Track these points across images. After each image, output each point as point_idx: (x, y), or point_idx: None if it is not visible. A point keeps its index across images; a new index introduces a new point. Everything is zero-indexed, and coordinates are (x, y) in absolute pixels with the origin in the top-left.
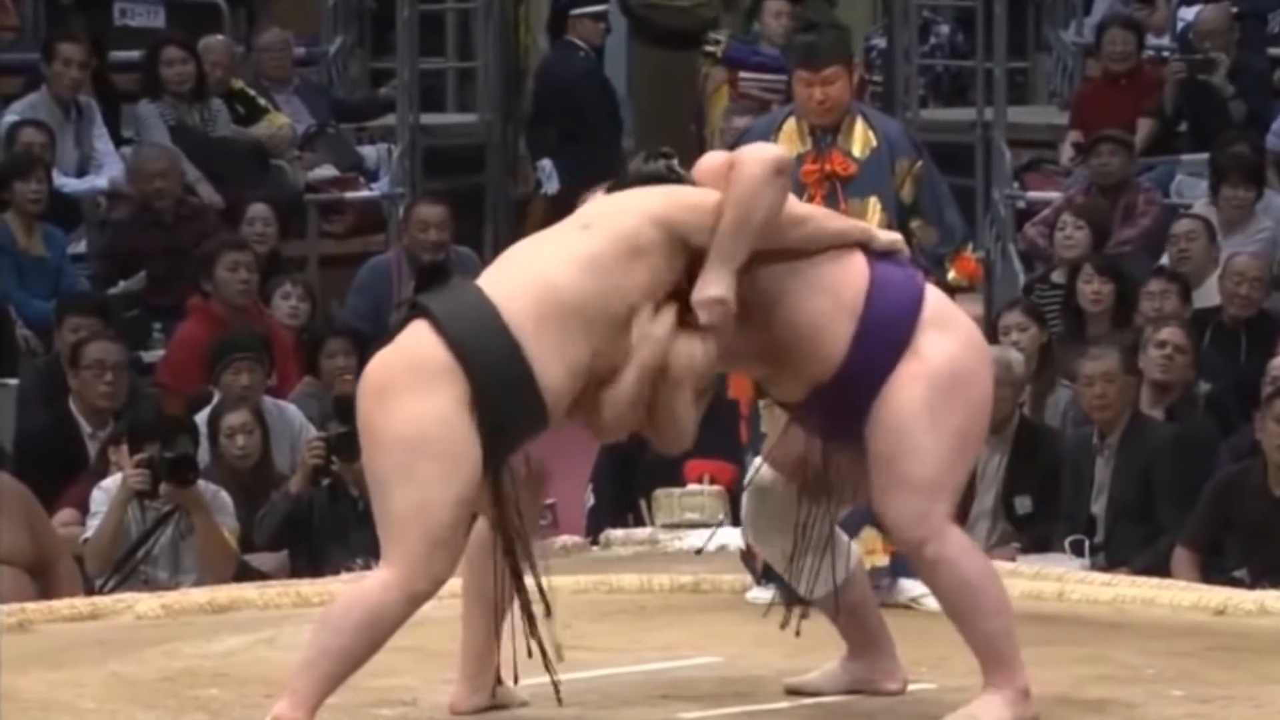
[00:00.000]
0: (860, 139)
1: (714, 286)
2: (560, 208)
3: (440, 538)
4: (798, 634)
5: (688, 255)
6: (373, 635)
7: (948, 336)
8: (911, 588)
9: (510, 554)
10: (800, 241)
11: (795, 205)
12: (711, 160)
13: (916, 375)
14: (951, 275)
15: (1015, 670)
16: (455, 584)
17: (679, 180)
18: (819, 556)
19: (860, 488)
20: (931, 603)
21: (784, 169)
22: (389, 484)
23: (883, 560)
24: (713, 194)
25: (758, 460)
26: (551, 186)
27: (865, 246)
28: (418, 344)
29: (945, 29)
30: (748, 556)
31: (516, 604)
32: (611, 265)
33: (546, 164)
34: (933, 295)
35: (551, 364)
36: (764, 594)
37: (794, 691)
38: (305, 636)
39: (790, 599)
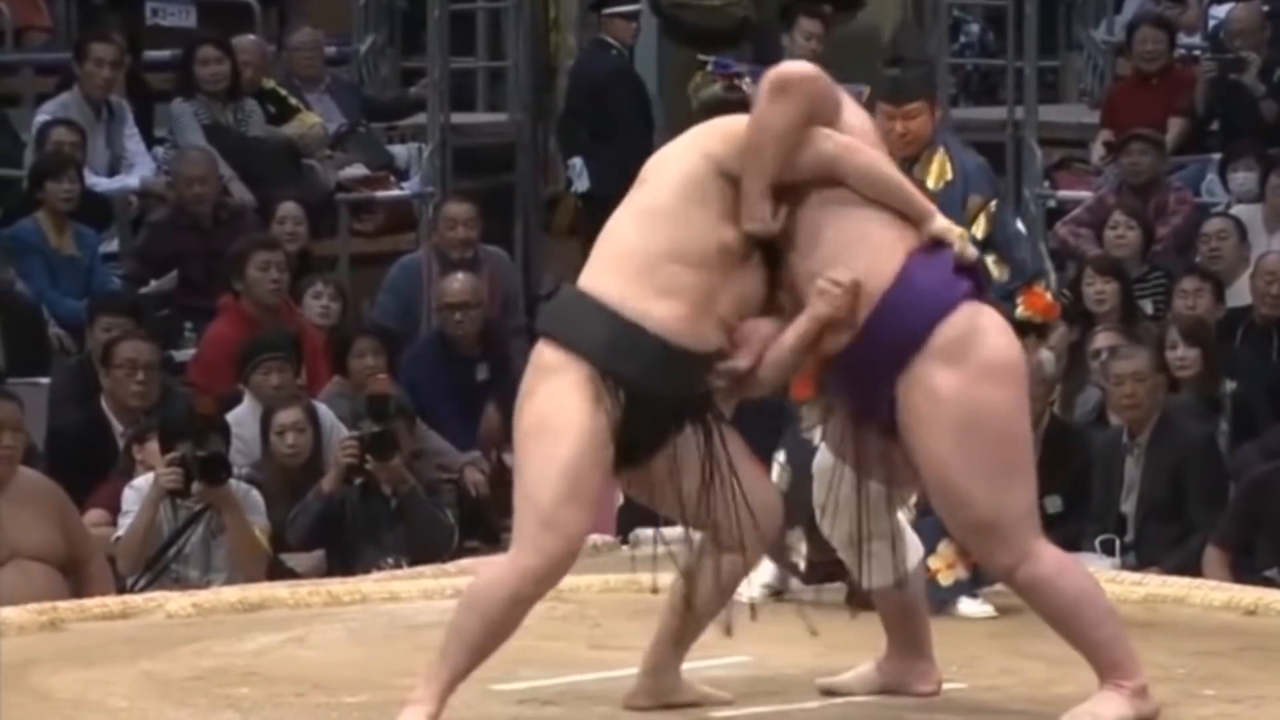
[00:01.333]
0: (937, 171)
1: (745, 217)
2: (591, 205)
3: (544, 514)
4: (754, 617)
5: None
6: (488, 614)
7: (957, 371)
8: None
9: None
10: (853, 169)
11: (871, 159)
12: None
13: (934, 426)
14: (1020, 310)
15: (1132, 670)
16: None
17: (741, 97)
18: (884, 546)
19: (904, 473)
20: (963, 608)
21: (787, 85)
22: (516, 472)
23: (963, 574)
24: (744, 120)
25: (822, 446)
26: (582, 184)
27: (918, 223)
28: (536, 358)
29: (975, 28)
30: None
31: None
32: (674, 210)
33: (577, 162)
34: (958, 318)
35: (651, 305)
36: (752, 590)
37: (828, 692)
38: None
39: (778, 592)
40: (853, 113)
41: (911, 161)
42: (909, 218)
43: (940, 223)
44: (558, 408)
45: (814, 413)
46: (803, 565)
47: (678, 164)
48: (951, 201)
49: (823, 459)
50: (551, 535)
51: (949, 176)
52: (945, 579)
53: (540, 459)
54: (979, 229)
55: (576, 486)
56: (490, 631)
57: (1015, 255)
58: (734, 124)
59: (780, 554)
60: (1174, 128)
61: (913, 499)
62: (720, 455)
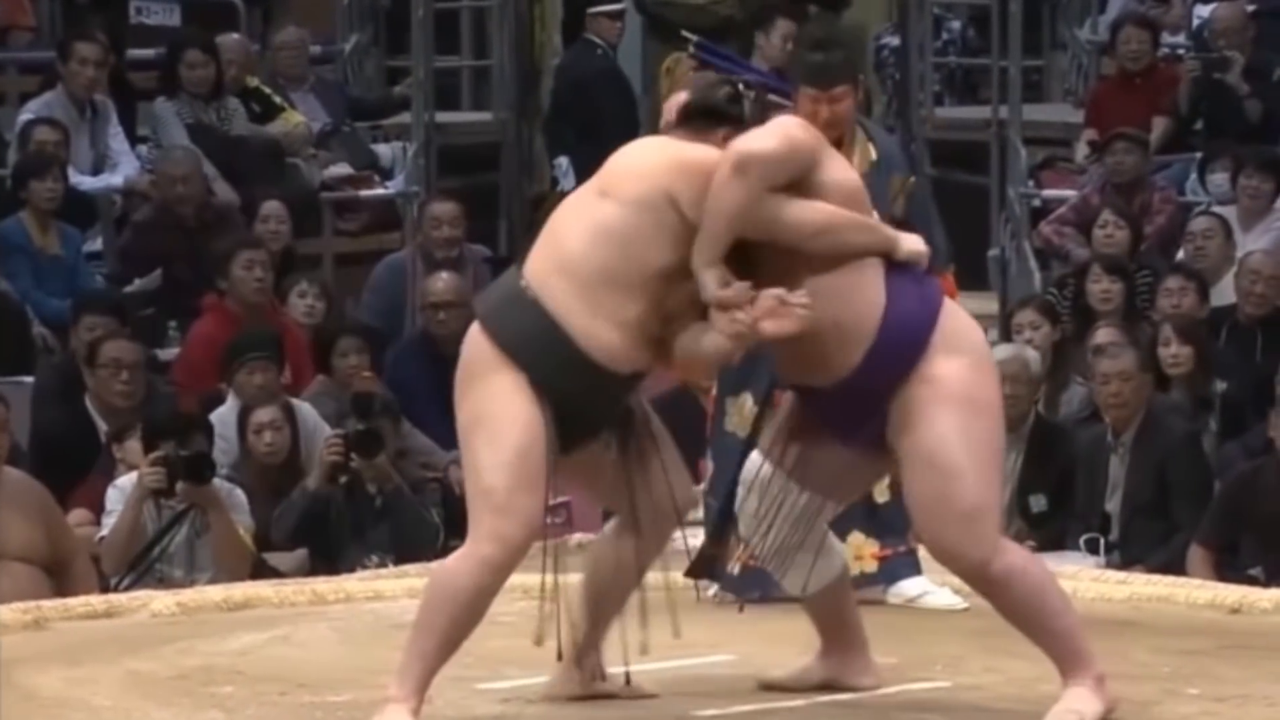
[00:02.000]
0: (860, 153)
1: (703, 289)
2: None
3: (496, 502)
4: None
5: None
6: (454, 606)
7: (958, 359)
8: (909, 589)
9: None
10: (821, 251)
11: (815, 212)
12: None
13: (934, 404)
14: None
15: (1090, 660)
16: None
17: (740, 114)
18: (814, 554)
19: (854, 485)
20: (931, 600)
21: (745, 167)
22: (463, 466)
23: (872, 566)
24: (716, 159)
25: (754, 455)
26: (568, 183)
27: (887, 256)
28: (473, 345)
29: (956, 25)
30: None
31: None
32: (627, 232)
33: (563, 161)
34: (944, 315)
35: (593, 327)
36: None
37: (769, 687)
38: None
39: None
40: (833, 170)
41: (837, 146)
42: (875, 253)
43: (905, 247)
44: (501, 403)
45: (739, 416)
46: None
47: (640, 186)
48: (879, 182)
49: (755, 468)
50: (509, 522)
51: (873, 157)
52: (853, 569)
53: (489, 448)
54: (898, 207)
55: (528, 473)
56: (458, 623)
57: (934, 238)
58: (703, 165)
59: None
60: (1158, 127)
61: (886, 479)
62: (637, 443)
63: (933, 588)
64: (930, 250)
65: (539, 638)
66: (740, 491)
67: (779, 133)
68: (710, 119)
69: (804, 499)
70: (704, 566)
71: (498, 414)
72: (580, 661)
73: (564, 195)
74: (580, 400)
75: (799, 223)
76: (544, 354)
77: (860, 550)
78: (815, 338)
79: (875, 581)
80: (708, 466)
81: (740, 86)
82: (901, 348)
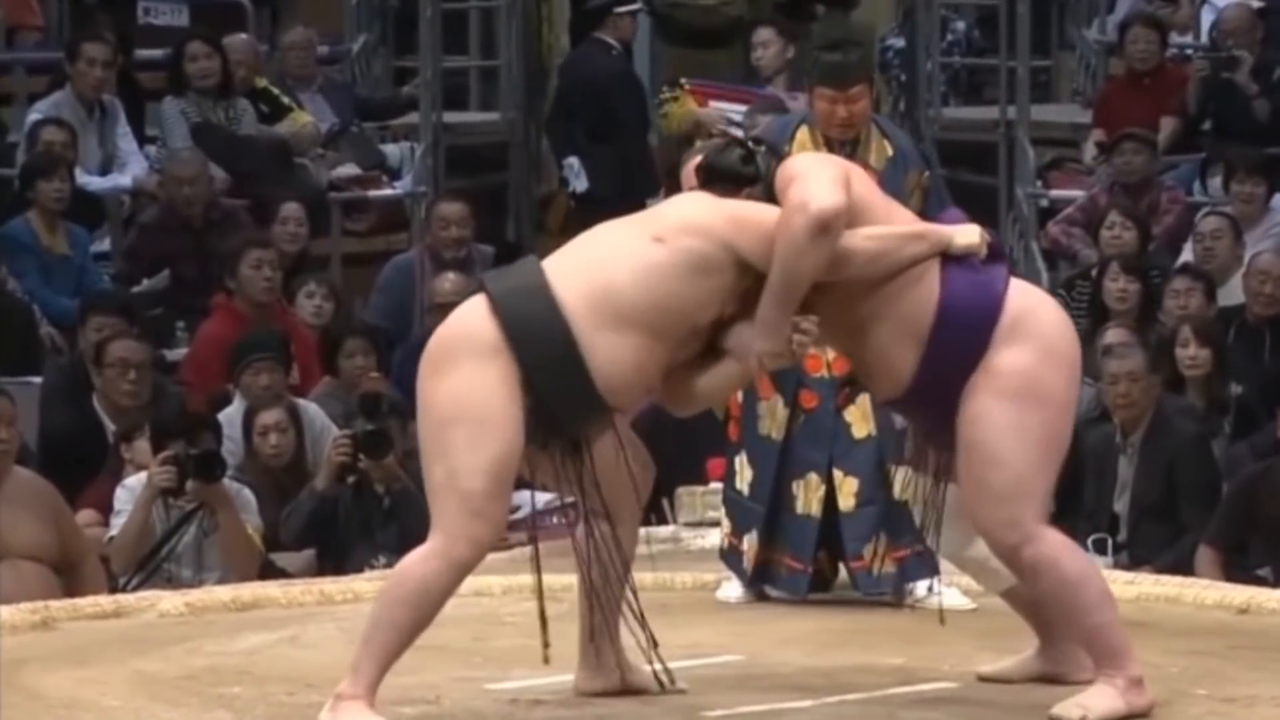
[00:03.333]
0: (877, 149)
1: (761, 339)
2: (588, 205)
3: (474, 505)
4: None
5: (755, 274)
6: (421, 605)
7: (1023, 347)
8: (919, 589)
9: (589, 536)
10: (877, 274)
11: (866, 241)
12: (781, 173)
13: (987, 394)
14: None
15: (1126, 659)
16: (480, 582)
17: (756, 172)
18: (991, 559)
19: None
20: (940, 601)
21: (829, 227)
22: (430, 456)
23: (890, 568)
24: (774, 215)
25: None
26: (580, 184)
27: (942, 254)
28: (472, 319)
29: (961, 25)
30: (727, 554)
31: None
32: (676, 282)
33: (574, 162)
34: (1012, 302)
35: (608, 360)
36: (734, 591)
37: (988, 680)
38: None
39: (760, 593)
40: (859, 187)
41: (854, 144)
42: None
43: (959, 241)
44: (488, 399)
45: (771, 418)
46: (749, 567)
47: (699, 241)
48: (894, 178)
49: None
50: (484, 526)
51: (889, 153)
52: (873, 571)
53: (472, 450)
54: (914, 202)
55: (504, 481)
56: (423, 621)
57: None
58: (761, 220)
59: (733, 556)
60: (1166, 127)
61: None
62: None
63: (940, 588)
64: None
65: (545, 647)
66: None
67: (834, 180)
68: (731, 181)
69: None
70: (761, 572)
71: (484, 412)
72: (599, 656)
73: (574, 195)
74: (562, 409)
75: (856, 255)
76: (550, 362)
77: (873, 553)
78: (873, 345)
79: (892, 580)
80: (741, 472)
81: (750, 145)
82: (960, 346)
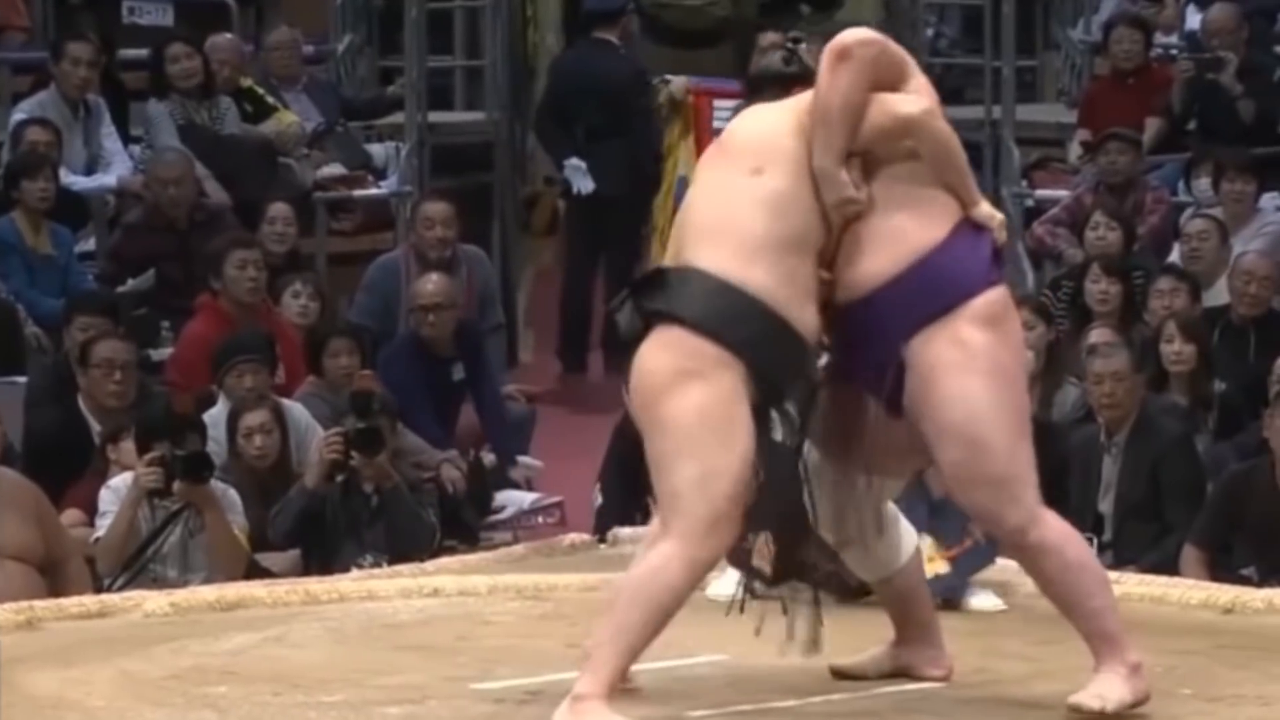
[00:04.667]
0: None
1: (824, 190)
2: (594, 205)
3: (722, 508)
4: (757, 633)
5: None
6: (665, 606)
7: (994, 333)
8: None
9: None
10: (930, 138)
11: (925, 100)
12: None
13: (961, 370)
14: None
15: (1125, 646)
16: (466, 582)
17: (801, 68)
18: (878, 539)
19: (906, 461)
20: (974, 603)
21: (846, 52)
22: (672, 461)
23: (944, 568)
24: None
25: (805, 444)
26: (586, 185)
27: (966, 208)
28: (685, 345)
29: (932, 30)
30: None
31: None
32: (797, 197)
33: (578, 163)
34: (996, 295)
35: (798, 308)
36: (726, 588)
37: (839, 674)
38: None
39: (752, 591)
40: (918, 78)
41: None
42: (958, 197)
43: (985, 209)
44: (726, 407)
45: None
46: (768, 569)
47: (787, 146)
48: None
49: (811, 458)
50: (724, 531)
51: None
52: (927, 572)
53: (722, 452)
54: None
55: (743, 488)
56: (664, 621)
57: None
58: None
59: (742, 558)
60: (1151, 127)
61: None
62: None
63: (975, 590)
64: None
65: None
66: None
67: (866, 30)
68: (778, 84)
69: (854, 479)
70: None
71: (729, 421)
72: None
73: (578, 196)
74: (786, 379)
75: (912, 100)
76: (764, 342)
77: (929, 553)
78: (870, 232)
79: (947, 581)
80: None
81: (790, 44)
82: (935, 287)
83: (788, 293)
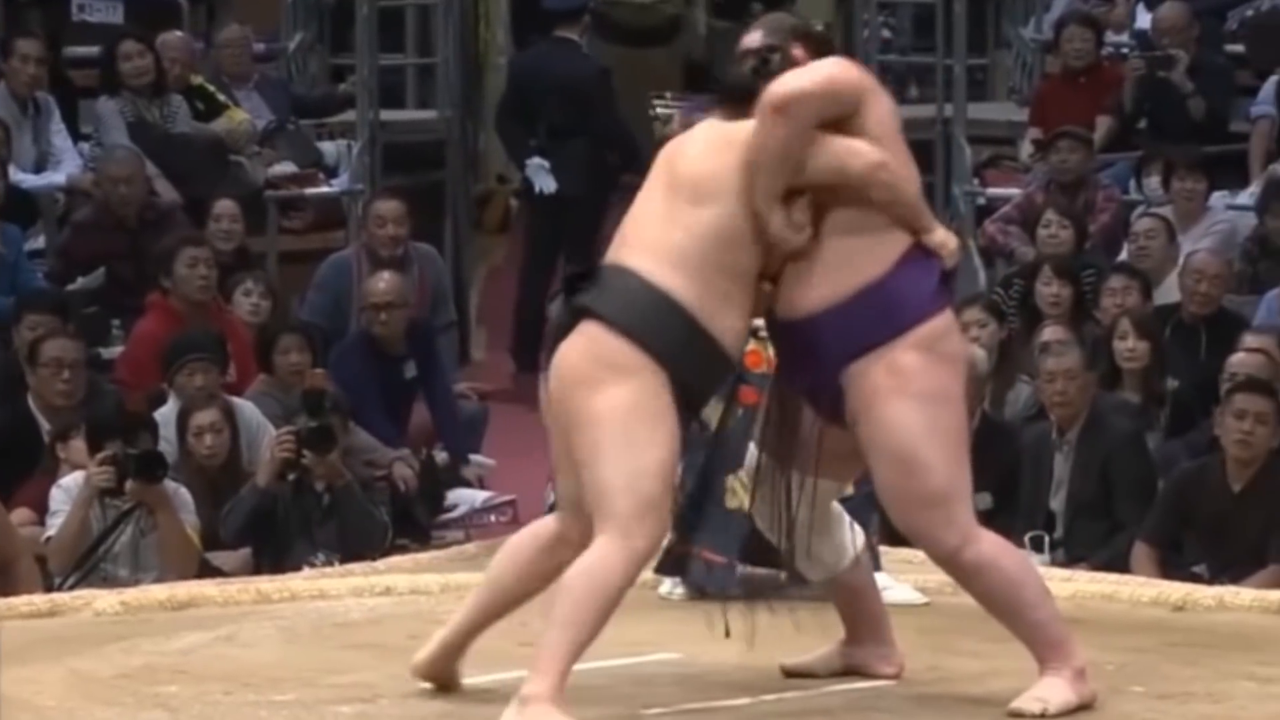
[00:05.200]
0: None
1: (773, 236)
2: (555, 206)
3: (651, 501)
4: (727, 634)
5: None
6: (604, 601)
7: (930, 355)
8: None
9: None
10: (876, 189)
11: (874, 150)
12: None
13: (897, 395)
14: None
15: (1070, 651)
16: (418, 581)
17: (764, 84)
18: (817, 539)
19: (840, 463)
20: (890, 596)
21: (782, 108)
22: (599, 455)
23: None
24: None
25: (751, 445)
26: (548, 185)
27: (917, 234)
28: (604, 344)
29: (888, 30)
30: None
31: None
32: (735, 231)
33: (541, 162)
34: (939, 323)
35: (725, 325)
36: (676, 588)
37: (791, 674)
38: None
39: (699, 592)
40: (876, 106)
41: None
42: (911, 227)
43: (939, 235)
44: (654, 400)
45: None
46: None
47: (731, 181)
48: None
49: (752, 457)
50: (658, 519)
51: None
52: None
53: (654, 448)
54: None
55: (670, 482)
56: (605, 616)
57: None
58: None
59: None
60: (1102, 126)
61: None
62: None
63: (891, 583)
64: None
65: None
66: (747, 482)
67: (815, 72)
68: (747, 96)
69: (796, 481)
70: (673, 563)
71: (653, 415)
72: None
73: (540, 196)
74: (706, 391)
75: (861, 152)
76: (682, 348)
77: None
78: (809, 264)
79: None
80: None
81: (766, 53)
82: (873, 320)
83: (714, 306)
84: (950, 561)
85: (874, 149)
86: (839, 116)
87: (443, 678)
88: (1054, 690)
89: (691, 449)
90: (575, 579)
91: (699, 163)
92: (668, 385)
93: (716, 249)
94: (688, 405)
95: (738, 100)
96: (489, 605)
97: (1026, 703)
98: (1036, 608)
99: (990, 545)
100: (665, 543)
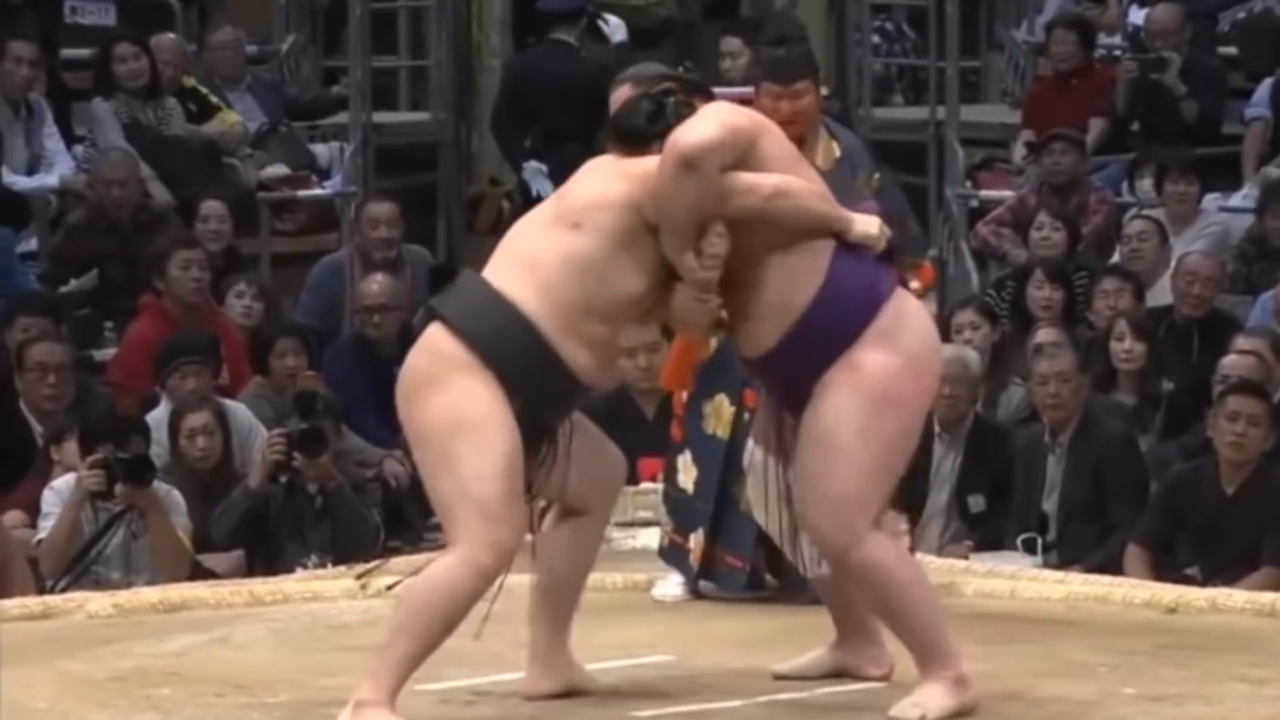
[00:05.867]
0: (824, 151)
1: (686, 276)
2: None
3: (490, 510)
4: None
5: None
6: (446, 613)
7: (890, 354)
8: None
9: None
10: (780, 215)
11: (768, 177)
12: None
13: (846, 387)
14: (914, 285)
15: (951, 658)
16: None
17: (667, 126)
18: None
19: None
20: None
21: (692, 163)
22: (436, 471)
23: (827, 570)
24: None
25: (750, 441)
26: (546, 189)
27: (839, 236)
28: (438, 345)
29: (880, 28)
30: (669, 551)
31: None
32: (604, 263)
33: (539, 165)
34: (890, 308)
35: (576, 349)
36: (671, 589)
37: (782, 677)
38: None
39: (696, 592)
40: (766, 137)
41: (798, 143)
42: (830, 232)
43: (858, 229)
44: (481, 408)
45: (715, 414)
46: (695, 564)
47: (612, 215)
48: (843, 179)
49: (752, 454)
50: (504, 530)
51: (837, 154)
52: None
53: (477, 457)
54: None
55: (515, 483)
56: (447, 628)
57: (908, 228)
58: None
59: (676, 553)
60: (1095, 128)
61: None
62: (567, 428)
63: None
64: (902, 238)
65: (479, 634)
66: (748, 480)
67: (713, 119)
68: (637, 141)
69: (791, 477)
70: (706, 570)
71: (480, 419)
72: (554, 659)
73: (538, 199)
74: (547, 406)
75: (755, 187)
76: (525, 360)
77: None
78: (751, 303)
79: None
80: (686, 469)
81: (661, 97)
82: (828, 331)
83: (563, 326)
84: (837, 560)
85: (766, 179)
86: (736, 159)
87: (567, 686)
88: (933, 696)
89: (706, 455)
90: (417, 588)
91: (588, 193)
92: (497, 387)
93: (576, 280)
94: (529, 420)
95: (632, 144)
96: (557, 598)
97: (905, 709)
98: (923, 613)
99: (878, 549)
100: (699, 550)
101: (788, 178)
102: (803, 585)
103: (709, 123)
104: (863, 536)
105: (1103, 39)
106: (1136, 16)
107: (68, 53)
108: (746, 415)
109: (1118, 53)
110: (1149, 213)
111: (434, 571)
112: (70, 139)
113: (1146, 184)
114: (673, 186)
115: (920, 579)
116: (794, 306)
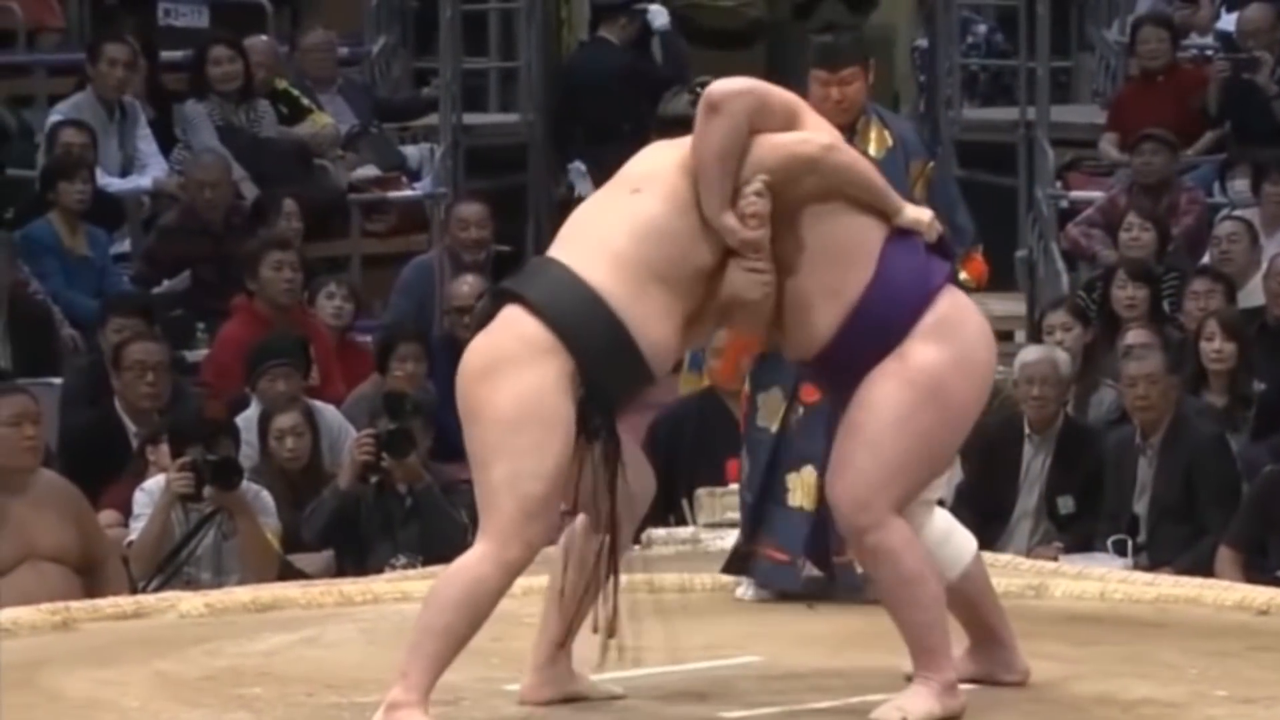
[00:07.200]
0: (876, 139)
1: (727, 238)
2: None
3: (532, 509)
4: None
5: None
6: (474, 608)
7: (941, 348)
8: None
9: (611, 534)
10: (830, 169)
11: (821, 134)
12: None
13: (894, 375)
14: (963, 276)
15: (944, 663)
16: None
17: None
18: (931, 543)
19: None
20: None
21: (716, 105)
22: (487, 459)
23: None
24: None
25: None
26: (586, 189)
27: (890, 218)
28: (517, 326)
29: (983, 28)
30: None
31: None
32: (669, 225)
33: (580, 165)
34: (943, 302)
35: (648, 326)
36: (753, 590)
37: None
38: (413, 623)
39: (780, 594)
40: (809, 117)
41: (849, 130)
42: (880, 212)
43: (909, 214)
44: (549, 403)
45: (768, 410)
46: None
47: (669, 176)
48: (895, 167)
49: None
50: (538, 529)
51: (889, 143)
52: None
53: (537, 454)
54: (918, 194)
55: (561, 484)
56: (476, 624)
57: (956, 220)
58: None
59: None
60: (1185, 128)
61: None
62: (610, 439)
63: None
64: (954, 230)
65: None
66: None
67: (742, 80)
68: (681, 127)
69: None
70: (739, 563)
71: (549, 415)
72: (555, 666)
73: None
74: (612, 393)
75: (809, 138)
76: (603, 349)
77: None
78: (802, 291)
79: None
80: (743, 465)
81: (699, 88)
82: (884, 320)
83: (639, 310)
84: (854, 540)
85: (822, 134)
86: (777, 126)
87: (562, 693)
88: (917, 699)
89: (755, 448)
90: (446, 585)
91: (643, 162)
92: (574, 379)
93: (644, 242)
94: (593, 404)
95: (678, 129)
96: (571, 606)
97: (887, 711)
98: (925, 611)
99: (895, 537)
100: (733, 543)
101: (840, 139)
102: (858, 585)
103: (734, 78)
104: (882, 521)
105: (1194, 39)
106: (1226, 22)
107: (162, 55)
108: (801, 409)
109: (1209, 53)
110: (1240, 214)
111: (461, 566)
112: (172, 141)
113: (1239, 184)
114: (699, 133)
115: (930, 577)
116: (846, 299)
